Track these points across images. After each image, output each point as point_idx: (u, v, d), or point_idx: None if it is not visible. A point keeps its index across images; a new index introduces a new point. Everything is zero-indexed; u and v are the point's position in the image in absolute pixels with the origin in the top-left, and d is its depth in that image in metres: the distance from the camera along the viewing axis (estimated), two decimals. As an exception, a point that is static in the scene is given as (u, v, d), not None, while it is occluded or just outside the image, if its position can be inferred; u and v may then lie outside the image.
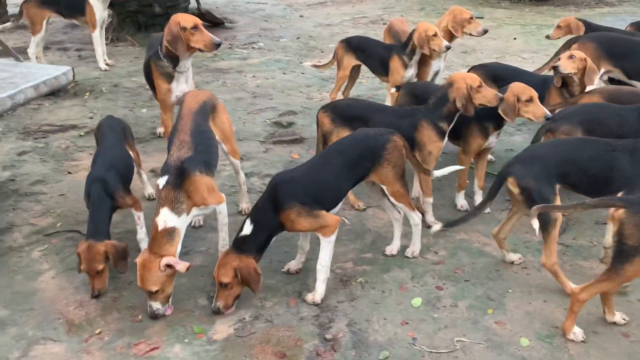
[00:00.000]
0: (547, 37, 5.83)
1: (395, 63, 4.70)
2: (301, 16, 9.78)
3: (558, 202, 2.95)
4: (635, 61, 4.48)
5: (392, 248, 3.37)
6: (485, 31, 4.82)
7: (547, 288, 3.06)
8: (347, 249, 3.43)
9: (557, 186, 2.97)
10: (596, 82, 4.47)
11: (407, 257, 3.32)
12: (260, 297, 2.97)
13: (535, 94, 3.53)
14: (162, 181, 2.84)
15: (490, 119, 3.59)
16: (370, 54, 4.96)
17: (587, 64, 3.90)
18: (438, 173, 3.35)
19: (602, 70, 4.57)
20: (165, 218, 2.75)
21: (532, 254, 3.36)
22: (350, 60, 5.08)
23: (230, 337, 2.71)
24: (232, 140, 3.55)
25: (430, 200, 3.65)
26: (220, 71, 6.74)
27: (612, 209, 2.57)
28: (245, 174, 4.27)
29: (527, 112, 3.51)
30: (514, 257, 3.27)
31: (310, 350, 2.62)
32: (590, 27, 5.42)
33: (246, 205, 3.78)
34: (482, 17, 9.82)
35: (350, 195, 3.85)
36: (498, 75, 4.35)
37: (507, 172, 3.02)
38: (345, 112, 3.68)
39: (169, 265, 2.69)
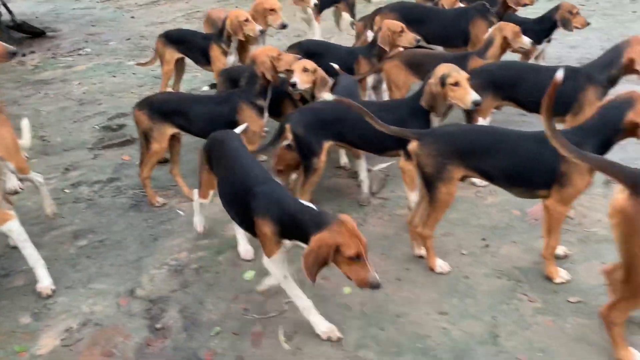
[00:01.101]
0: None
1: (215, 52, 4.74)
2: (132, 17, 9.45)
3: (323, 157, 3.29)
4: (429, 26, 4.94)
5: None
6: (284, 26, 4.79)
7: (367, 239, 3.32)
8: (182, 239, 3.43)
9: (328, 142, 3.28)
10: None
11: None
12: (89, 303, 2.90)
13: (296, 66, 3.65)
14: None
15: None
16: (190, 45, 4.95)
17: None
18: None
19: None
20: None
21: (350, 208, 3.62)
22: (172, 54, 5.04)
23: (56, 348, 2.62)
24: (18, 156, 3.26)
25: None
26: (43, 82, 6.34)
27: (410, 145, 2.85)
28: (72, 184, 4.12)
29: None
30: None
31: (140, 342, 2.61)
32: None
33: (50, 209, 3.61)
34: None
35: (184, 187, 3.86)
36: (311, 51, 4.58)
37: (286, 119, 3.33)
38: (162, 107, 3.66)
39: None
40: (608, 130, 2.58)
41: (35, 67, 6.85)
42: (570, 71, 3.53)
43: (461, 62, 4.03)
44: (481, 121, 3.74)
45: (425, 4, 5.21)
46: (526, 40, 4.07)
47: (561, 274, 2.83)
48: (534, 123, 4.59)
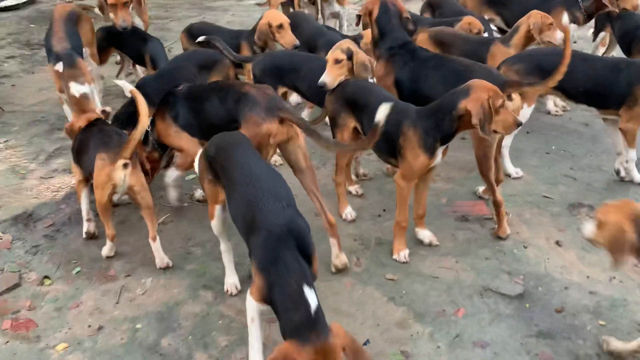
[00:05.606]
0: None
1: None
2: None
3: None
4: (511, 10, 4.53)
5: None
6: None
7: None
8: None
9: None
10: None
11: None
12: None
13: None
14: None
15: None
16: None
17: None
18: None
19: (486, 17, 4.69)
20: None
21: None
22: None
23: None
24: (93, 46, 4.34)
25: None
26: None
27: None
28: None
29: None
30: None
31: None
32: None
33: None
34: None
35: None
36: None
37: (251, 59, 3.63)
38: None
39: None
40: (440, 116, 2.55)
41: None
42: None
43: (482, 48, 3.71)
44: (526, 108, 3.43)
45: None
46: (558, 36, 3.54)
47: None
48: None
